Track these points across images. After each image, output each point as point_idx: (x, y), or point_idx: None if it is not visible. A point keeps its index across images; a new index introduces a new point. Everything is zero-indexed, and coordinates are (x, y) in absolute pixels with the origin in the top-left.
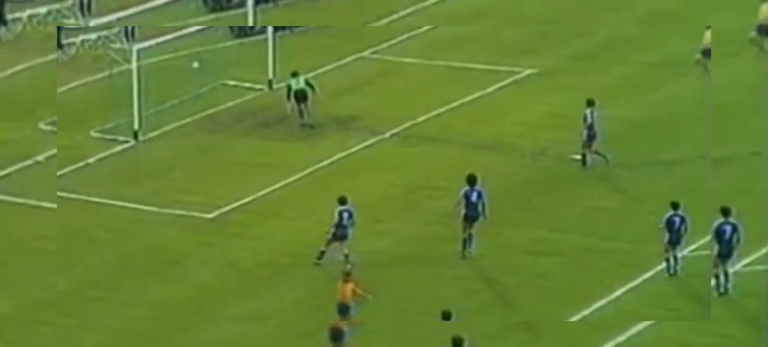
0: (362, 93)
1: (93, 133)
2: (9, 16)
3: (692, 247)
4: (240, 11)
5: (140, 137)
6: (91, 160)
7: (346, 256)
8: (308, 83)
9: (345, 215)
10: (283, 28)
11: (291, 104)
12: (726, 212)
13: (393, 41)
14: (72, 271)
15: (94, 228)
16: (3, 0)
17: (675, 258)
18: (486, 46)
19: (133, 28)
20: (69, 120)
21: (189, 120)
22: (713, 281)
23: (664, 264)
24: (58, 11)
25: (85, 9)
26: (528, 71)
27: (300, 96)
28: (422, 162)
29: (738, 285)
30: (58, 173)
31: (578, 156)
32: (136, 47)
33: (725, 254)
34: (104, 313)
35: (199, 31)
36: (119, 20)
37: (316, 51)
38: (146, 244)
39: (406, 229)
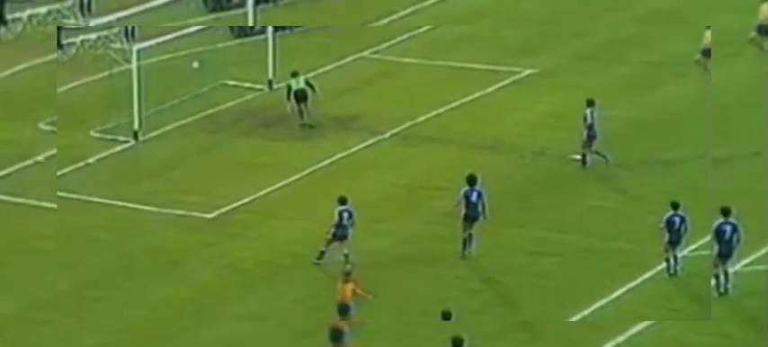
0: (362, 93)
1: (93, 133)
2: (9, 16)
3: (692, 247)
4: (240, 11)
5: (140, 137)
6: (91, 160)
7: (346, 256)
8: (308, 83)
9: (345, 215)
10: (283, 28)
11: (291, 104)
12: (726, 212)
13: (393, 41)
14: (72, 271)
15: (94, 228)
16: (3, 0)
17: (675, 258)
18: (486, 46)
19: (133, 28)
20: (69, 120)
21: (189, 120)
22: (713, 281)
23: (664, 264)
24: (58, 11)
25: (85, 9)
26: (528, 71)
27: (300, 96)
28: (422, 162)
29: (738, 285)
30: (58, 173)
31: (578, 156)
32: (136, 47)
33: (725, 254)
34: (104, 313)
35: (199, 30)
36: (119, 20)
37: (316, 51)
38: (146, 244)
39: (406, 229)
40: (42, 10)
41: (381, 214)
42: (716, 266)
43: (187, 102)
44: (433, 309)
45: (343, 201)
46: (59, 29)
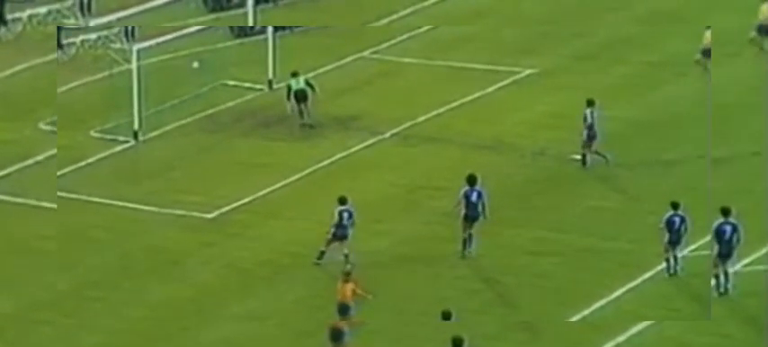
0: (362, 93)
1: (93, 133)
2: (9, 16)
3: (692, 247)
4: (240, 11)
5: (140, 137)
6: (91, 160)
7: (346, 256)
8: (307, 83)
9: (345, 215)
10: (283, 28)
11: (291, 104)
12: (726, 212)
13: (393, 41)
14: (72, 271)
15: (94, 228)
16: (3, 0)
17: (675, 258)
18: (486, 46)
19: (133, 28)
20: (69, 120)
21: (189, 120)
22: (713, 281)
23: (664, 264)
24: (58, 11)
25: (85, 9)
26: (528, 71)
27: (300, 96)
28: (422, 162)
29: (738, 285)
30: (58, 173)
31: (578, 156)
32: (136, 47)
33: (725, 254)
34: (104, 313)
35: (199, 30)
36: (119, 20)
37: (316, 51)
38: (146, 244)
39: (406, 229)
40: (42, 10)
41: (381, 214)
42: (716, 266)
43: (187, 102)
44: (433, 309)
45: (343, 201)
46: (59, 29)
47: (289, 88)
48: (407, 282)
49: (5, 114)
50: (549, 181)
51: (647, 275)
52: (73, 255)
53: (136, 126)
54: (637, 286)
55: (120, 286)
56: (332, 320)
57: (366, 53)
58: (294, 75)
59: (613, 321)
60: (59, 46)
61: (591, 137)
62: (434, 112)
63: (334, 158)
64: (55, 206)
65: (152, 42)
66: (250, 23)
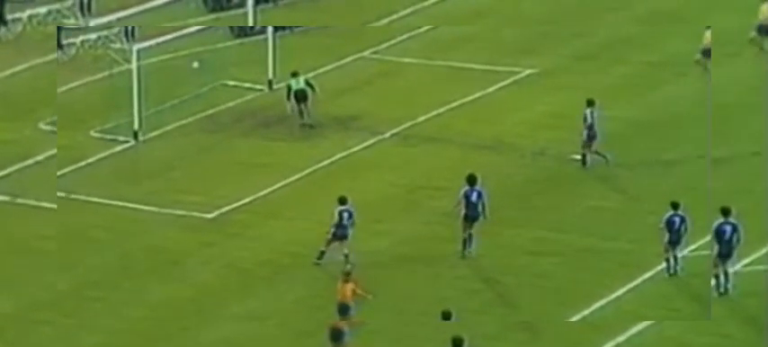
0: (362, 93)
1: (93, 133)
2: (9, 16)
3: (692, 247)
4: (240, 11)
5: (140, 137)
6: (91, 160)
7: (346, 256)
8: (307, 83)
9: (345, 215)
10: (283, 28)
11: (291, 104)
12: (726, 212)
13: (393, 41)
14: (72, 271)
15: (94, 228)
16: (3, 0)
17: (675, 258)
18: (486, 46)
19: (133, 28)
20: (69, 120)
21: (189, 120)
22: (713, 281)
23: (664, 264)
24: (58, 11)
25: (85, 9)
26: (528, 71)
27: (300, 96)
28: (422, 162)
29: (738, 285)
30: (58, 174)
31: (578, 156)
32: (136, 47)
33: (725, 254)
34: (104, 313)
35: (199, 30)
36: (119, 20)
37: (316, 51)
38: (146, 244)
39: (406, 229)
40: (42, 10)
41: (381, 214)
42: (716, 266)
43: (187, 102)
44: (433, 309)
45: (343, 201)
46: (59, 29)
47: (289, 88)
48: (407, 282)
49: (5, 114)
50: (550, 181)
51: (646, 275)
52: (73, 255)
53: (136, 126)
54: (637, 286)
55: (121, 286)
56: (332, 320)
57: (366, 53)
58: (294, 75)
59: (613, 321)
60: (59, 46)
61: (591, 137)
62: (435, 112)
63: (333, 158)
64: (55, 206)
65: (152, 42)
66: (250, 23)
